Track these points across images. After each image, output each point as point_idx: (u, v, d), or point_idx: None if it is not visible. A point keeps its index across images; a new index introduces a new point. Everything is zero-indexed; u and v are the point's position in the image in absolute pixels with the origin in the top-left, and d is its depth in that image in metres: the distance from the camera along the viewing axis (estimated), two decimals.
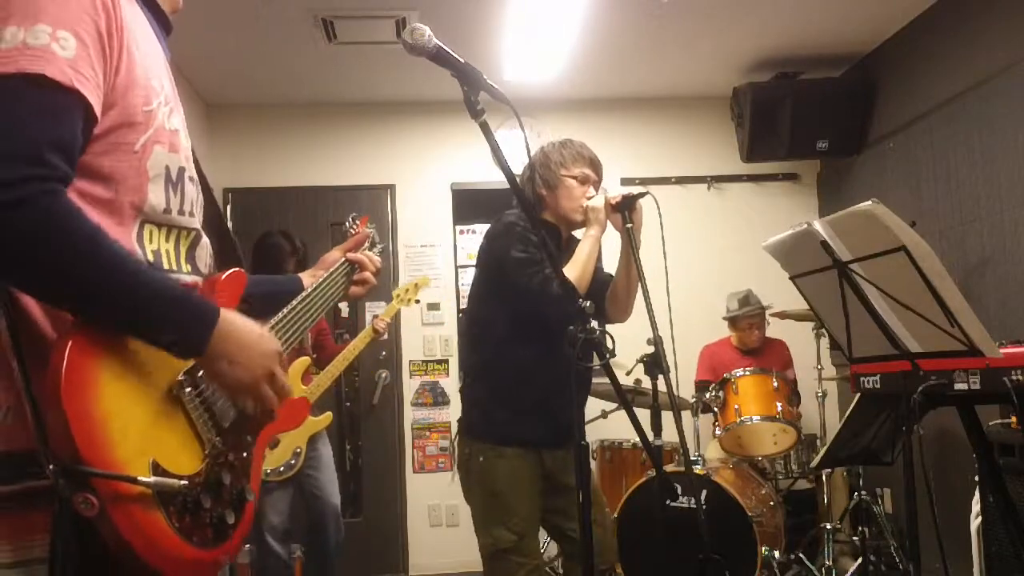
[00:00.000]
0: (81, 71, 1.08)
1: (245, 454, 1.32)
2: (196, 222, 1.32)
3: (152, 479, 1.08)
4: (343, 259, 1.69)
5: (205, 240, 1.36)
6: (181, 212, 1.27)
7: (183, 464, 1.16)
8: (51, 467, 1.00)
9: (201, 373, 1.23)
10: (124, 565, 1.07)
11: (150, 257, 1.21)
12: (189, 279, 1.30)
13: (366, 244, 1.78)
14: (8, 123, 1.02)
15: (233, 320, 1.22)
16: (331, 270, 1.65)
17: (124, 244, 1.15)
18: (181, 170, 1.27)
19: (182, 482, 1.12)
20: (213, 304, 1.21)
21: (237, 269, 1.42)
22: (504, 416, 2.46)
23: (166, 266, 1.24)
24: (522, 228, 2.42)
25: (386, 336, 3.86)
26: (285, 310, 1.50)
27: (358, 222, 1.85)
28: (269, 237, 3.82)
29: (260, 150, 5.25)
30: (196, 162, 1.44)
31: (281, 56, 4.54)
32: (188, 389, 1.20)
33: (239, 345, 1.22)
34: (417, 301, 3.99)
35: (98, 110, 1.11)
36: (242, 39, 4.31)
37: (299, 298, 1.54)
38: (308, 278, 1.64)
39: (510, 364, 2.46)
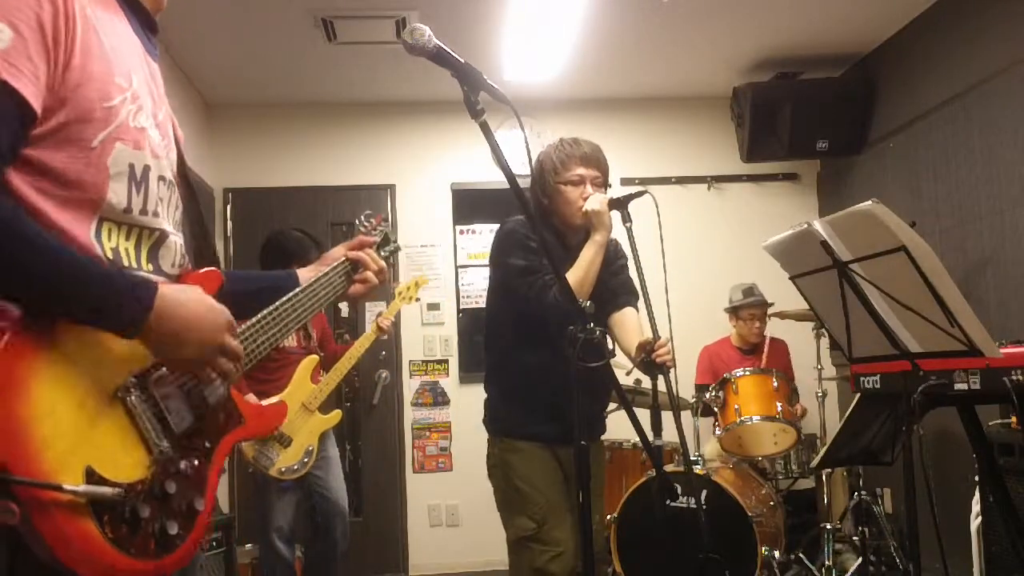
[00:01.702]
0: (14, 63, 1.06)
1: (199, 462, 1.27)
2: (162, 222, 1.28)
3: (81, 487, 1.03)
4: (344, 257, 1.65)
5: (173, 240, 1.32)
6: (144, 212, 1.24)
7: (124, 471, 1.12)
8: None
9: (153, 378, 1.20)
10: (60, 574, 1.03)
11: (108, 255, 1.18)
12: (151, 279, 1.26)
13: (375, 243, 1.73)
14: None
15: (175, 296, 1.18)
16: (330, 267, 1.61)
17: (81, 241, 1.14)
18: (147, 168, 1.24)
19: (115, 490, 1.07)
20: (152, 282, 1.17)
21: (211, 268, 1.38)
22: (514, 415, 2.54)
23: (125, 264, 1.21)
24: (522, 235, 2.45)
25: (387, 335, 3.86)
26: (272, 306, 1.46)
27: (372, 220, 1.80)
28: (284, 233, 3.77)
29: (260, 150, 5.25)
30: (181, 158, 1.42)
31: (281, 56, 4.54)
32: (136, 393, 1.16)
33: (184, 323, 1.18)
34: (417, 299, 3.99)
35: (36, 103, 1.08)
36: (242, 39, 4.31)
37: (291, 295, 1.50)
38: (308, 274, 1.61)
39: (517, 367, 2.53)
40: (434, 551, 5.10)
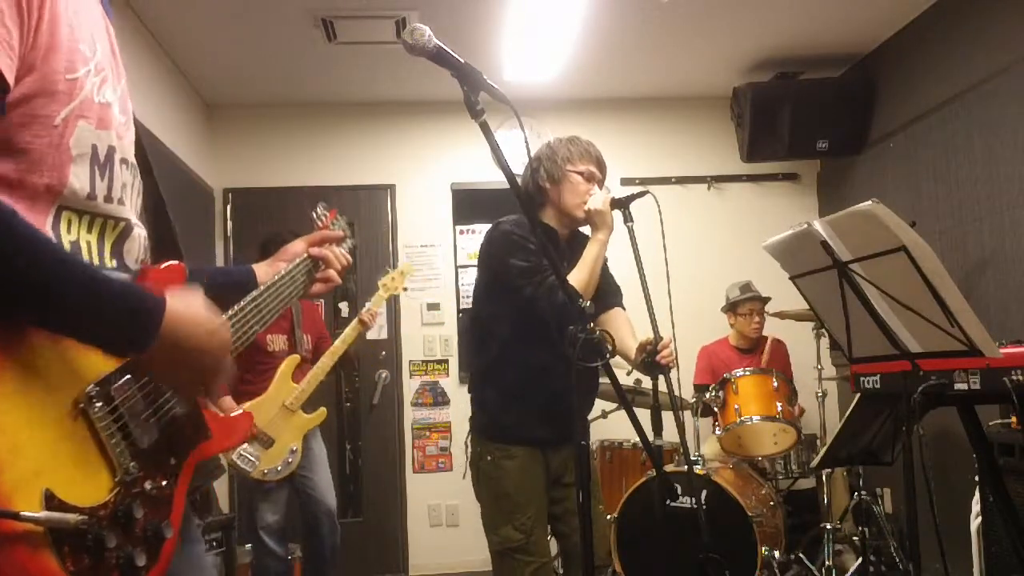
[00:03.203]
0: None
1: (165, 481, 1.12)
2: (127, 211, 1.16)
3: (41, 514, 0.90)
4: (305, 255, 1.53)
5: (137, 233, 1.19)
6: (108, 199, 1.11)
7: (86, 494, 0.97)
8: None
9: (115, 386, 1.05)
10: None
11: (68, 248, 1.05)
12: (113, 276, 1.11)
13: (340, 238, 1.64)
14: None
15: (181, 312, 1.06)
16: (291, 265, 1.50)
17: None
18: (111, 150, 1.11)
19: (79, 517, 0.94)
20: (157, 295, 1.05)
21: (175, 262, 1.23)
22: (510, 417, 2.48)
23: (86, 260, 1.08)
24: (519, 236, 2.43)
25: (374, 324, 3.78)
26: (234, 309, 1.32)
27: (327, 214, 1.70)
28: (280, 234, 3.77)
29: (260, 150, 5.25)
30: (139, 142, 1.27)
31: (281, 56, 4.54)
32: (99, 405, 1.01)
33: (188, 341, 1.07)
34: (405, 288, 3.90)
35: (9, 74, 0.96)
36: (242, 39, 4.31)
37: (252, 296, 1.38)
38: (265, 269, 1.50)
39: (515, 367, 2.48)
40: (434, 551, 5.10)
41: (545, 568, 2.41)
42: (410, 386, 5.23)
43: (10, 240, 0.91)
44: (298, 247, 1.55)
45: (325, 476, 3.73)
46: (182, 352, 1.07)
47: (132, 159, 1.19)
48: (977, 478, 2.99)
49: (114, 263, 1.14)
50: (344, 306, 5.26)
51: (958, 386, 2.01)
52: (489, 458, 2.49)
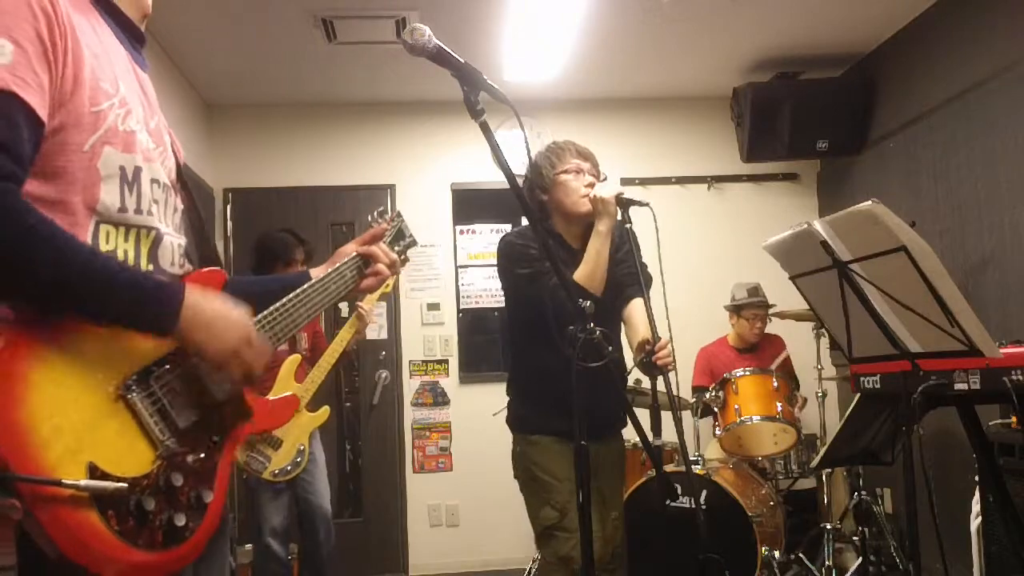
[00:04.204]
0: (20, 75, 1.10)
1: (204, 455, 1.29)
2: (156, 222, 1.32)
3: (82, 482, 1.07)
4: (354, 253, 1.66)
5: (169, 240, 1.35)
6: (139, 211, 1.27)
7: (129, 466, 1.15)
8: None
9: (155, 375, 1.23)
10: (68, 568, 1.06)
11: None
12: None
13: (387, 238, 1.74)
14: None
15: (200, 292, 1.24)
16: (339, 264, 1.63)
17: None
18: (138, 170, 1.27)
19: (116, 485, 1.11)
20: (179, 280, 1.23)
21: (215, 268, 1.42)
22: (532, 412, 2.61)
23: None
24: (520, 245, 2.52)
25: (373, 320, 3.81)
26: (280, 302, 1.48)
27: (384, 217, 1.80)
28: (269, 234, 3.81)
29: (260, 150, 5.25)
30: (179, 167, 1.45)
31: (281, 56, 4.54)
32: (136, 391, 1.19)
33: (214, 314, 1.24)
34: (396, 277, 3.90)
35: (43, 112, 1.13)
36: (242, 39, 4.31)
37: (299, 290, 1.52)
38: (319, 272, 1.63)
39: (532, 368, 2.60)
40: (434, 551, 5.10)
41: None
42: (410, 386, 5.23)
43: (55, 247, 1.10)
44: (348, 248, 1.68)
45: (323, 480, 3.74)
46: (210, 316, 1.24)
47: (165, 180, 1.36)
48: (977, 478, 2.99)
49: (150, 267, 1.30)
50: (344, 305, 5.26)
51: (958, 386, 2.01)
52: (519, 448, 2.63)
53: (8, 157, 1.09)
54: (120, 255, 1.24)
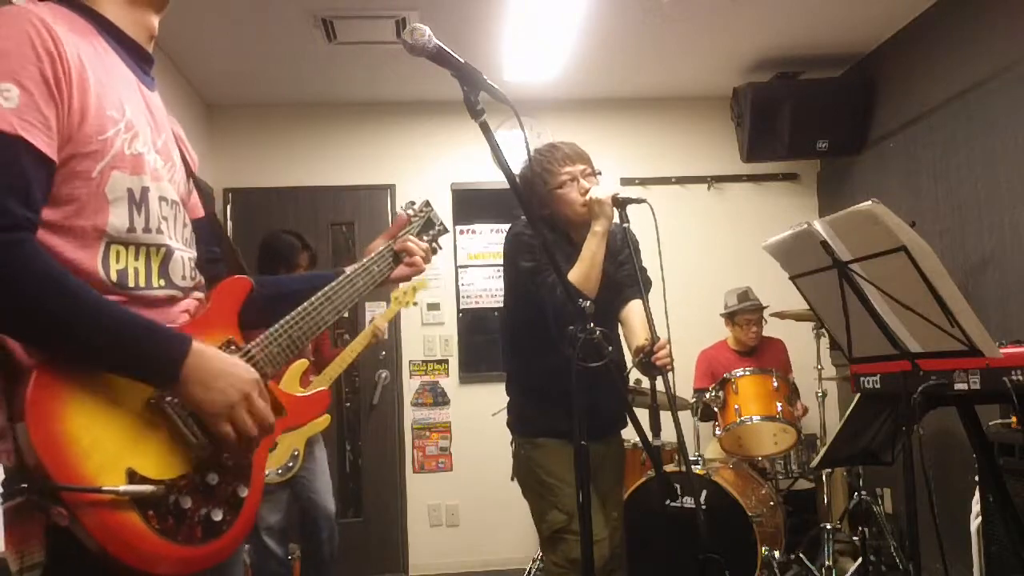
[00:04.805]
0: (26, 118, 1.14)
1: (237, 453, 1.34)
2: (166, 239, 1.34)
3: (120, 487, 1.15)
4: (385, 246, 1.70)
5: (179, 255, 1.37)
6: (147, 230, 1.30)
7: (166, 469, 1.23)
8: (25, 485, 1.12)
9: None
10: (113, 567, 1.15)
11: (114, 277, 1.25)
12: (162, 293, 1.33)
13: (412, 227, 1.76)
14: None
15: (206, 349, 1.27)
16: (366, 260, 1.66)
17: (88, 266, 1.22)
18: (145, 190, 1.30)
19: (152, 487, 1.19)
20: (184, 335, 1.26)
21: (239, 276, 1.46)
22: (533, 413, 2.58)
23: (132, 284, 1.28)
24: (527, 236, 2.47)
25: (386, 337, 3.84)
26: (309, 300, 1.52)
27: (413, 208, 1.82)
28: (276, 235, 3.80)
29: (260, 150, 5.25)
30: (193, 177, 1.48)
31: (281, 56, 4.54)
32: (169, 398, 1.25)
33: (213, 372, 1.26)
34: (415, 303, 3.99)
35: (52, 152, 1.17)
36: (242, 39, 4.31)
37: (326, 288, 1.56)
38: (349, 270, 1.66)
39: (535, 367, 2.55)
40: (434, 551, 5.10)
41: (597, 546, 2.35)
42: (410, 386, 5.23)
43: (67, 300, 1.15)
44: (377, 243, 1.72)
45: (325, 480, 3.74)
46: (210, 373, 1.25)
47: (174, 196, 1.39)
48: (977, 478, 2.99)
49: (162, 282, 1.33)
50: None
51: (958, 386, 2.00)
52: (523, 451, 2.59)
53: (20, 203, 1.13)
54: (131, 272, 1.28)
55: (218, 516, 1.28)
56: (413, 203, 1.83)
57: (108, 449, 1.17)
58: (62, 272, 1.16)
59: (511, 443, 2.67)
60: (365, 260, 1.66)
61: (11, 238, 1.11)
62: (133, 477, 1.18)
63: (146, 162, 1.31)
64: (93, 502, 1.13)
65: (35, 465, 1.11)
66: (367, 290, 1.64)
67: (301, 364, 3.52)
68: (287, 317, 1.48)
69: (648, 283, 2.59)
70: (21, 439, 1.11)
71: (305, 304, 1.51)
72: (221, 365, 1.28)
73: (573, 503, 2.42)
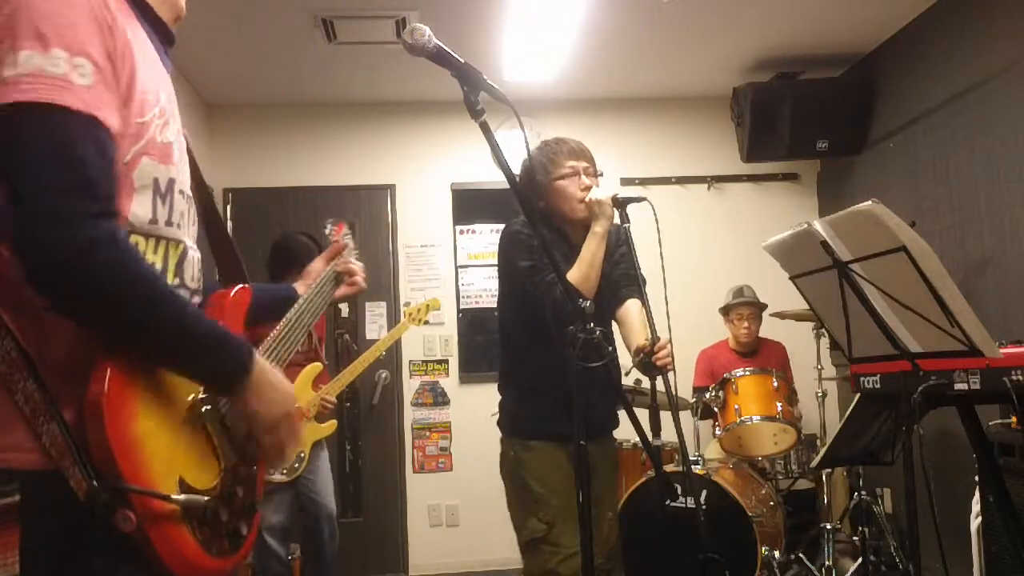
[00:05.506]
0: (101, 97, 1.08)
1: (255, 467, 1.35)
2: (183, 235, 1.29)
3: (183, 496, 1.13)
4: (330, 269, 1.79)
5: (192, 255, 1.33)
6: (169, 223, 1.24)
7: (203, 479, 1.21)
8: (94, 484, 1.05)
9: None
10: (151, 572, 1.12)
11: None
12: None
13: (350, 251, 1.87)
14: (56, 160, 1.03)
15: (261, 360, 1.26)
16: (319, 280, 1.74)
17: None
18: (171, 181, 1.24)
19: (206, 498, 1.18)
20: (247, 344, 1.25)
21: (243, 286, 1.46)
22: (528, 414, 2.53)
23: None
24: (525, 235, 2.45)
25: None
26: (281, 324, 1.58)
27: (335, 228, 1.94)
28: (291, 236, 3.78)
29: (260, 150, 5.25)
30: (196, 169, 1.43)
31: (281, 56, 4.54)
32: (207, 407, 1.24)
33: (269, 384, 1.25)
34: (427, 322, 4.08)
35: (116, 131, 1.12)
36: (242, 39, 4.31)
37: (292, 311, 1.62)
38: (300, 287, 1.72)
39: (530, 367, 2.52)
40: (434, 551, 5.10)
41: (571, 561, 2.36)
42: (410, 386, 5.23)
43: (156, 298, 1.12)
44: (318, 265, 1.80)
45: (327, 481, 3.74)
46: (268, 388, 1.25)
47: (188, 191, 1.33)
48: (977, 478, 2.99)
49: (176, 281, 1.28)
50: (344, 306, 5.26)
51: (958, 386, 2.00)
52: (512, 453, 2.54)
53: (102, 190, 1.07)
54: None
55: (244, 530, 1.28)
56: (336, 223, 1.96)
57: (163, 456, 1.14)
58: (153, 271, 1.15)
59: (500, 441, 2.62)
60: (318, 280, 1.74)
61: (109, 228, 1.06)
62: (183, 486, 1.15)
63: (174, 151, 1.25)
64: (157, 510, 1.10)
65: (106, 465, 1.06)
66: (322, 310, 1.74)
67: (314, 368, 3.52)
68: (267, 340, 1.52)
69: (643, 282, 2.59)
70: (92, 436, 1.06)
71: (281, 325, 1.57)
72: (274, 378, 1.27)
73: (555, 514, 2.41)
